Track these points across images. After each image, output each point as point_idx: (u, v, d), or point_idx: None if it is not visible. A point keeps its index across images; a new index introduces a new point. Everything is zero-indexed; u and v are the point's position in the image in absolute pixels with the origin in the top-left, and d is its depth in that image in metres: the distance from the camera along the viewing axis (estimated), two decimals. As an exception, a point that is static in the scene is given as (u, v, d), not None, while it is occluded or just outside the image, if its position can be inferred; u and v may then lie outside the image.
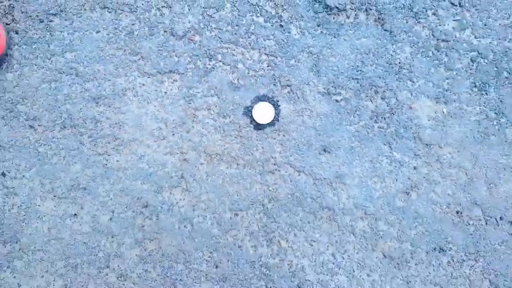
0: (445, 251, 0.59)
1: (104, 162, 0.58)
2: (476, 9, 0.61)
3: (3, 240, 0.57)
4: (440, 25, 0.61)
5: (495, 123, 0.60)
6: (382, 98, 0.59)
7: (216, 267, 0.58)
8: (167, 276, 0.58)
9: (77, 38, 0.58)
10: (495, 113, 0.60)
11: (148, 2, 0.59)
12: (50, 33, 0.58)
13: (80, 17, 0.58)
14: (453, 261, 0.59)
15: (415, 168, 0.59)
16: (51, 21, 0.59)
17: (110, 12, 0.59)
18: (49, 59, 0.58)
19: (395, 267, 0.59)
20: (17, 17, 0.59)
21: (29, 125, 0.58)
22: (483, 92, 0.60)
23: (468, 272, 0.59)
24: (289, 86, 0.59)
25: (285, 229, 0.58)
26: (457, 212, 0.59)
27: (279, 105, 0.59)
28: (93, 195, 0.58)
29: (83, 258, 0.57)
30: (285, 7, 0.60)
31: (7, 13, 0.59)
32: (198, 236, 0.58)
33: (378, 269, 0.58)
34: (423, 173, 0.59)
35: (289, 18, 0.60)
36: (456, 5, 0.61)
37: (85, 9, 0.59)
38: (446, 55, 0.60)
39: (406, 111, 0.59)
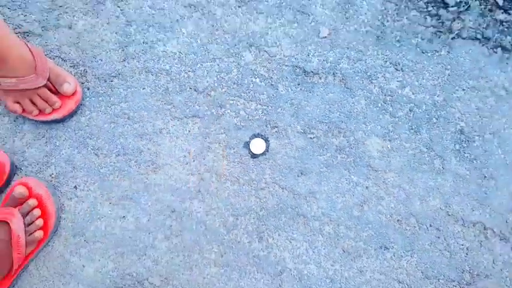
0: (389, 248, 0.83)
1: (145, 180, 0.85)
2: (413, 73, 0.87)
3: (73, 233, 0.84)
4: (387, 84, 0.87)
5: (426, 155, 0.84)
6: (343, 137, 0.85)
7: (222, 256, 0.83)
8: (187, 262, 0.83)
9: (130, 93, 0.86)
10: (426, 148, 0.85)
11: (179, 68, 0.87)
12: (111, 90, 0.87)
13: (132, 78, 0.87)
14: (394, 256, 0.83)
15: (367, 187, 0.84)
16: (112, 81, 0.87)
17: (152, 75, 0.87)
18: (110, 107, 0.86)
19: (351, 260, 0.83)
20: (88, 78, 0.87)
21: (94, 153, 0.86)
22: (418, 133, 0.85)
23: (406, 265, 0.82)
24: (276, 127, 0.85)
25: (272, 230, 0.83)
26: (398, 220, 0.83)
27: (269, 141, 0.85)
28: (137, 203, 0.84)
29: (128, 248, 0.84)
30: (274, 71, 0.87)
31: (82, 75, 0.88)
32: (209, 233, 0.83)
33: (339, 260, 0.83)
34: (373, 191, 0.84)
35: (278, 79, 0.87)
36: (399, 70, 0.87)
37: (135, 73, 0.87)
38: (391, 106, 0.86)
39: (361, 146, 0.85)
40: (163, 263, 0.83)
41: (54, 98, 0.83)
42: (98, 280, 0.83)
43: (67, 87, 0.83)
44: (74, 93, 0.85)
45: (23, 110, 0.83)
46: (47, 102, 0.83)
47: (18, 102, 0.83)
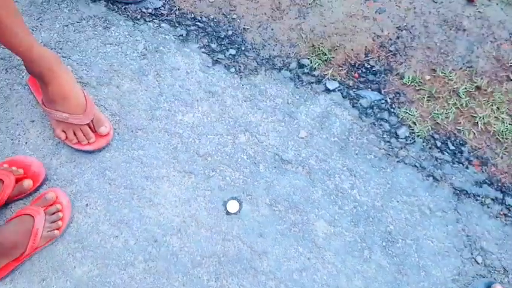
0: None
1: (141, 211, 1.10)
2: (362, 180, 1.15)
3: (75, 240, 1.08)
4: (340, 184, 1.15)
5: (359, 245, 1.10)
6: (299, 215, 1.12)
7: (183, 285, 1.06)
8: (155, 284, 1.06)
9: (147, 144, 1.15)
10: (360, 239, 1.10)
11: (189, 134, 1.16)
12: (134, 138, 1.16)
13: (152, 134, 1.16)
14: None
15: (308, 259, 1.09)
16: (137, 132, 1.17)
17: (168, 135, 1.17)
18: (129, 151, 1.15)
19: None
20: (120, 126, 1.17)
21: (108, 182, 1.13)
22: (356, 226, 1.12)
23: None
24: (250, 195, 1.12)
25: (228, 274, 1.07)
26: None
27: (242, 204, 1.12)
28: (129, 228, 1.09)
29: (113, 261, 1.07)
30: (259, 154, 1.16)
31: (116, 123, 1.17)
32: (178, 265, 1.07)
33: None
34: (312, 262, 1.08)
35: (260, 160, 1.16)
36: (352, 175, 1.16)
37: (155, 131, 1.16)
38: (340, 201, 1.13)
39: (311, 226, 1.11)
40: (137, 279, 1.06)
41: (91, 134, 1.12)
42: (83, 281, 1.06)
43: (103, 130, 1.13)
44: (106, 135, 1.14)
45: (66, 138, 1.12)
46: (85, 136, 1.12)
47: (64, 132, 1.12)
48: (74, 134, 1.12)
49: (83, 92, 1.11)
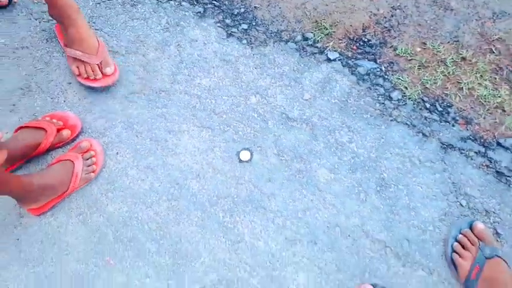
0: (317, 243, 1.21)
1: (164, 159, 1.27)
2: (360, 135, 1.32)
3: (107, 182, 1.25)
4: (340, 138, 1.31)
5: (356, 189, 1.26)
6: (303, 164, 1.28)
7: (202, 221, 1.22)
8: (177, 219, 1.22)
9: (170, 103, 1.33)
10: (357, 184, 1.26)
11: (206, 95, 1.34)
12: (158, 98, 1.33)
13: (173, 95, 1.34)
14: (319, 250, 1.21)
15: (311, 200, 1.24)
16: (160, 93, 1.34)
17: (188, 96, 1.34)
18: (154, 109, 1.32)
19: (289, 245, 1.21)
20: (146, 89, 1.35)
21: (136, 135, 1.30)
22: (353, 173, 1.28)
23: (326, 257, 1.20)
24: (260, 147, 1.29)
25: (240, 212, 1.23)
26: (327, 227, 1.22)
27: (253, 154, 1.28)
28: (155, 172, 1.26)
29: (140, 200, 1.24)
30: (268, 112, 1.33)
31: (143, 86, 1.35)
32: (197, 204, 1.23)
33: (281, 243, 1.21)
34: (315, 204, 1.24)
35: (269, 118, 1.33)
36: (350, 131, 1.32)
37: (177, 93, 1.34)
38: (340, 152, 1.30)
39: (314, 173, 1.27)
40: (161, 215, 1.22)
41: (99, 72, 1.32)
42: (114, 216, 1.22)
43: (108, 70, 1.32)
44: (111, 75, 1.32)
45: (79, 74, 1.31)
46: (93, 72, 1.30)
47: (77, 68, 1.30)
48: (85, 70, 1.30)
49: (96, 38, 1.31)
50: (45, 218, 1.22)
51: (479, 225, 1.19)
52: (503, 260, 1.12)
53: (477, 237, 1.17)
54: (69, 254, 1.19)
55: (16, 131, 1.22)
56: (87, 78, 1.32)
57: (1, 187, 1.00)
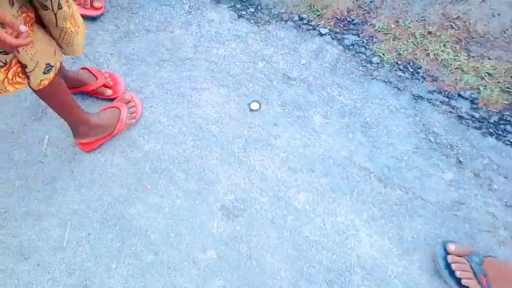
0: (314, 171, 1.50)
1: (189, 110, 1.58)
2: (347, 91, 1.63)
3: (143, 127, 1.56)
4: (331, 93, 1.63)
5: (345, 130, 1.57)
6: (302, 112, 1.59)
7: (221, 155, 1.52)
8: (201, 154, 1.52)
9: (193, 68, 1.65)
10: (346, 126, 1.57)
11: (222, 61, 1.66)
12: (183, 65, 1.66)
13: (196, 62, 1.66)
14: (316, 176, 1.50)
15: (309, 139, 1.55)
16: (185, 62, 1.67)
17: (207, 62, 1.67)
18: (180, 73, 1.64)
19: (292, 173, 1.50)
20: (174, 58, 1.67)
21: (166, 92, 1.61)
22: (343, 118, 1.59)
23: (321, 181, 1.49)
24: (267, 99, 1.61)
25: (252, 149, 1.53)
26: (322, 158, 1.52)
27: (261, 105, 1.60)
28: (182, 120, 1.57)
29: (171, 140, 1.54)
30: (272, 73, 1.65)
31: (170, 55, 1.68)
32: (217, 143, 1.53)
33: (285, 172, 1.50)
34: (312, 141, 1.54)
35: (273, 78, 1.65)
36: (339, 88, 1.64)
37: (198, 60, 1.67)
38: (331, 103, 1.61)
39: (310, 119, 1.58)
40: (188, 152, 1.52)
41: (88, 3, 1.65)
42: (150, 153, 1.52)
43: (97, 4, 1.66)
44: (99, 8, 1.68)
45: (79, 3, 1.64)
46: (84, 2, 1.63)
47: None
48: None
49: None
50: (94, 155, 1.52)
51: (451, 246, 1.25)
52: (490, 256, 1.24)
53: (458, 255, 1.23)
54: (114, 181, 1.48)
55: (81, 69, 1.54)
56: (79, 5, 1.68)
57: (67, 110, 1.30)
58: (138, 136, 1.55)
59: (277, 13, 1.80)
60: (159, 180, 1.48)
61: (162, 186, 1.47)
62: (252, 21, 1.78)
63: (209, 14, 1.79)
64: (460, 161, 1.52)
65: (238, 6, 1.81)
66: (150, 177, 1.48)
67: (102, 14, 1.70)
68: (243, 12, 1.80)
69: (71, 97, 1.28)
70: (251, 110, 1.59)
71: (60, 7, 0.95)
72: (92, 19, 1.74)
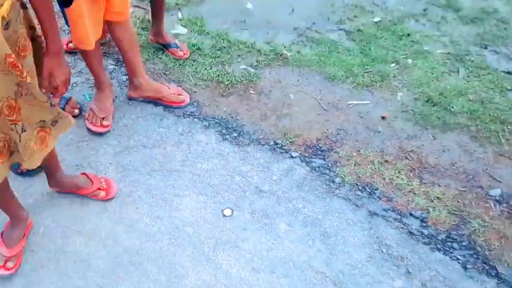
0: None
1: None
2: (311, 204, 1.86)
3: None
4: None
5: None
6: (269, 220, 1.80)
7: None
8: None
9: (179, 178, 1.92)
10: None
11: (201, 178, 1.94)
12: (170, 175, 1.94)
13: (181, 174, 1.94)
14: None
15: (276, 250, 1.74)
16: (173, 172, 1.95)
17: (192, 174, 1.94)
18: (166, 182, 1.91)
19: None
20: (175, 169, 1.96)
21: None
22: (305, 228, 1.79)
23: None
24: (238, 207, 1.84)
25: (224, 248, 1.71)
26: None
27: (233, 211, 1.82)
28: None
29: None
30: (245, 188, 1.91)
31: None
32: (195, 238, 1.73)
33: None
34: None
35: (247, 191, 1.90)
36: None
37: (183, 172, 1.95)
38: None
39: (276, 226, 1.78)
40: (163, 248, 1.70)
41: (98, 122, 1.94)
42: (130, 248, 1.71)
43: (105, 122, 1.93)
44: (107, 126, 1.95)
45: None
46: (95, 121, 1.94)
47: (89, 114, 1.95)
48: None
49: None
50: (80, 246, 1.70)
51: None
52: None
53: None
54: (95, 272, 1.64)
55: (81, 174, 1.81)
56: (91, 123, 2.02)
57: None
58: (121, 232, 1.75)
59: (256, 138, 2.13)
60: (134, 272, 1.63)
61: (135, 278, 1.62)
62: (234, 143, 2.10)
63: (198, 136, 2.12)
64: (409, 272, 1.66)
65: (224, 131, 2.15)
66: (126, 269, 1.64)
67: (108, 131, 2.03)
68: (227, 136, 2.13)
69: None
70: (224, 215, 1.81)
71: (24, 130, 1.12)
72: (99, 134, 2.07)
